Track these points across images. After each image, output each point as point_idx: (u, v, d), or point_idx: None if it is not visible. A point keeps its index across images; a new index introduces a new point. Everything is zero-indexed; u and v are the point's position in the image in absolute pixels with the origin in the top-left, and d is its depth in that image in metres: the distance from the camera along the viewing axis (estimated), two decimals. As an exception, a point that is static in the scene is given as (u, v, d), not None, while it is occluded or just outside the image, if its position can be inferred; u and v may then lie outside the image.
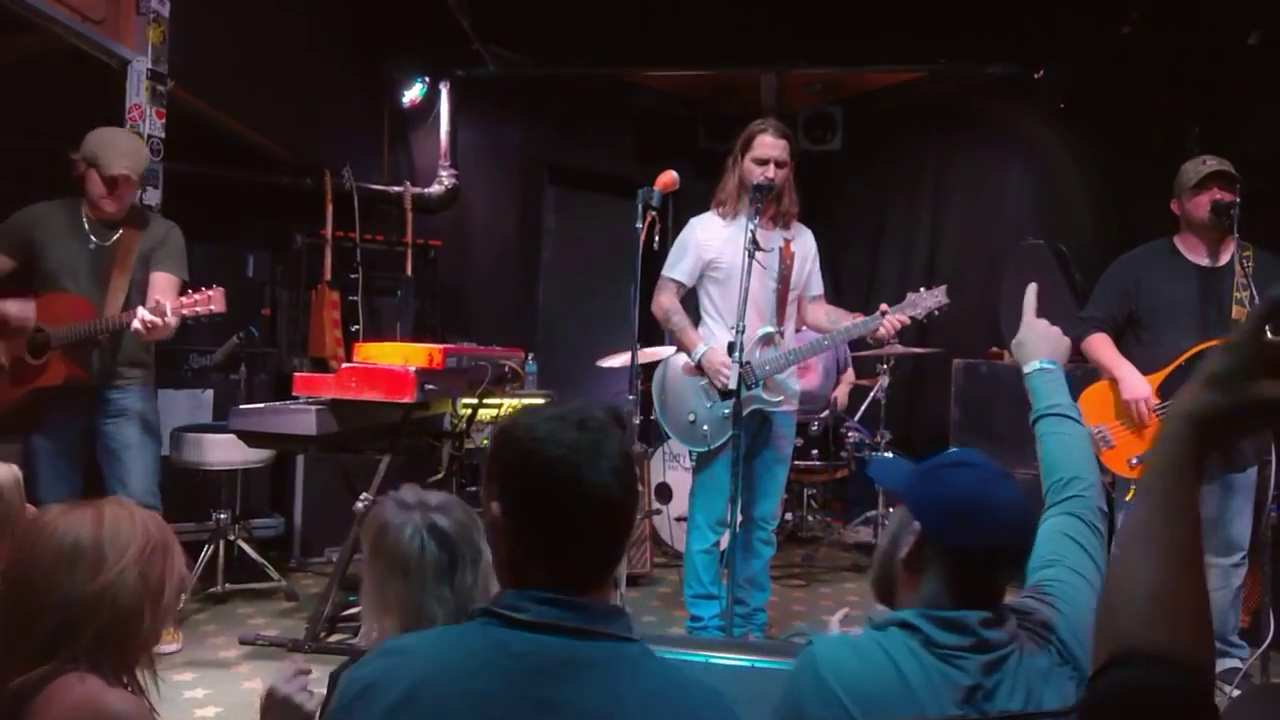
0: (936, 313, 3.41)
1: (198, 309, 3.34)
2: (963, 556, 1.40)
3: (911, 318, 3.42)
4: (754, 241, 3.23)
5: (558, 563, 1.19)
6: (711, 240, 3.63)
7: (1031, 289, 1.93)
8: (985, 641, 1.35)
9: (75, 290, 3.50)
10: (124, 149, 3.48)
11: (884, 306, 3.46)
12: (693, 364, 3.59)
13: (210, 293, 3.36)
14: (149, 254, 3.60)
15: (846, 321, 3.66)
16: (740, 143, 3.62)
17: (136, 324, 3.28)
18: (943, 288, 3.43)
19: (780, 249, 3.62)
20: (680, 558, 5.18)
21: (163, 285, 3.52)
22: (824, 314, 3.83)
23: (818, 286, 3.86)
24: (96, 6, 3.74)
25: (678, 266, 3.68)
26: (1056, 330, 1.85)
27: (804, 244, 3.77)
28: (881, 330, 3.46)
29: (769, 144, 3.56)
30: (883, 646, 1.36)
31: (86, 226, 3.56)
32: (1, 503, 1.90)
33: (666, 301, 3.67)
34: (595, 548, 1.21)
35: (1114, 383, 3.55)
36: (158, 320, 3.27)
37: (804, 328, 3.90)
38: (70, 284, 3.51)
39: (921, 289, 3.45)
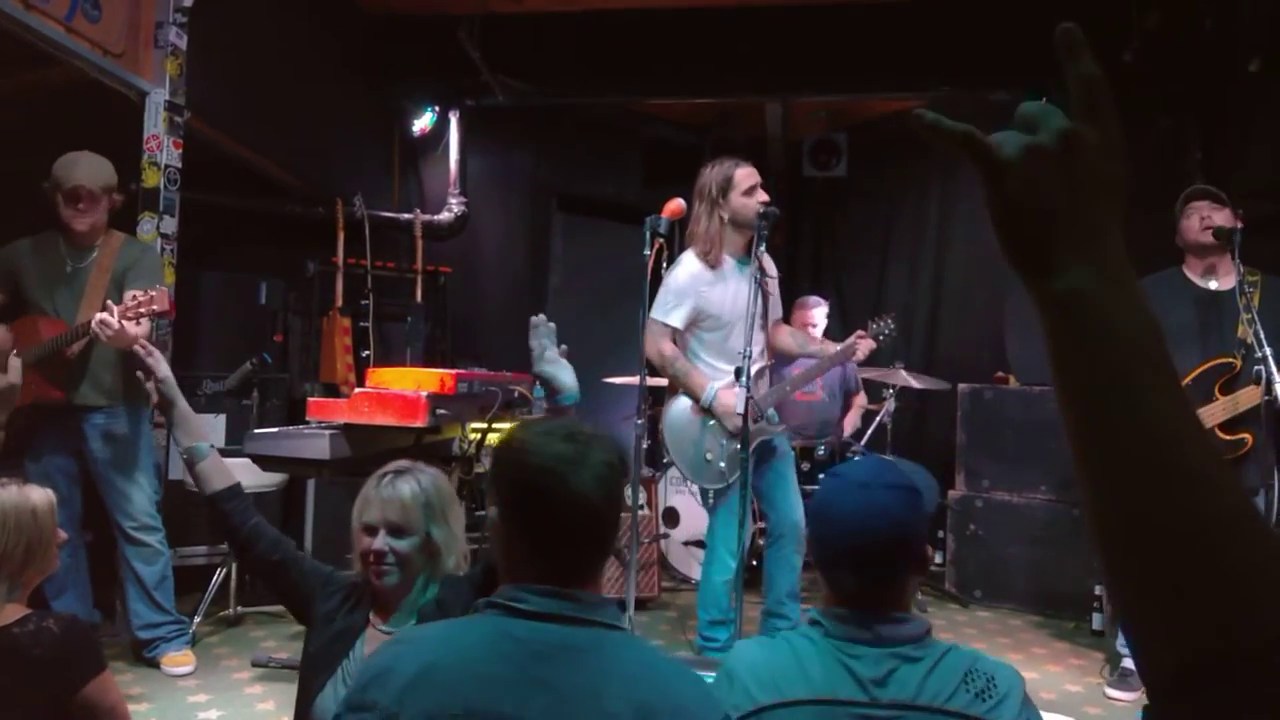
0: (886, 334, 3.87)
1: (141, 310, 3.31)
2: (819, 554, 1.57)
3: (875, 340, 3.83)
4: (760, 269, 3.28)
5: (549, 560, 1.32)
6: (705, 291, 3.64)
7: None
8: (879, 637, 1.46)
9: (52, 313, 3.58)
10: (81, 164, 3.56)
11: (860, 331, 3.82)
12: (701, 407, 3.61)
13: (153, 293, 3.33)
14: (122, 275, 3.66)
15: (813, 345, 3.96)
16: (716, 187, 3.63)
17: (93, 325, 3.31)
18: (891, 314, 4.00)
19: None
20: (687, 582, 5.20)
21: None
22: (786, 335, 3.92)
23: (778, 309, 3.93)
24: (116, 41, 3.83)
25: (675, 313, 3.64)
26: None
27: (770, 267, 3.84)
28: (858, 353, 3.79)
29: (750, 173, 3.63)
30: (789, 640, 1.52)
31: (62, 251, 3.65)
32: (35, 525, 1.94)
33: (668, 349, 3.64)
34: (581, 547, 1.33)
35: None
36: (111, 321, 3.26)
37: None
38: (48, 307, 3.60)
39: (878, 319, 3.94)
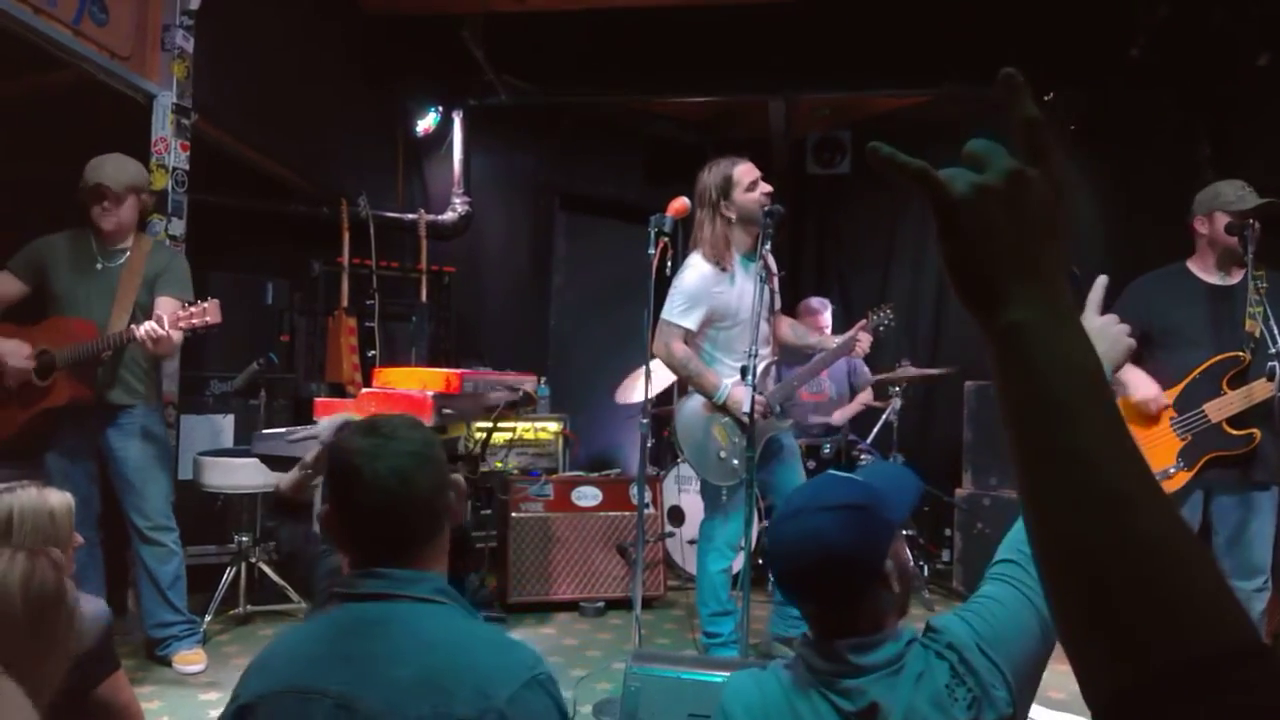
0: (887, 324, 3.89)
1: (194, 321, 3.41)
2: (777, 582, 1.58)
3: (875, 332, 3.85)
4: (766, 268, 3.28)
5: (360, 544, 1.44)
6: (718, 293, 3.63)
7: (1100, 283, 1.53)
8: (855, 666, 1.42)
9: (82, 312, 3.59)
10: (107, 166, 3.58)
11: (861, 322, 3.84)
12: (715, 404, 3.61)
13: (206, 305, 3.43)
14: (154, 279, 3.69)
15: (813, 338, 3.97)
16: (716, 190, 3.60)
17: (140, 333, 3.36)
18: (890, 304, 3.99)
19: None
20: (693, 580, 5.20)
21: (166, 308, 3.57)
22: (788, 328, 3.93)
23: (779, 303, 3.94)
24: (123, 43, 3.84)
25: (689, 315, 3.61)
26: (1115, 326, 1.46)
27: (772, 263, 3.81)
28: (858, 348, 3.78)
29: (748, 169, 3.60)
30: (779, 677, 1.49)
31: (94, 249, 3.67)
32: (53, 528, 1.94)
33: (679, 350, 3.61)
34: (384, 531, 1.42)
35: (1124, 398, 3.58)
36: (160, 332, 3.35)
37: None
38: (77, 306, 3.61)
39: (878, 309, 3.93)
